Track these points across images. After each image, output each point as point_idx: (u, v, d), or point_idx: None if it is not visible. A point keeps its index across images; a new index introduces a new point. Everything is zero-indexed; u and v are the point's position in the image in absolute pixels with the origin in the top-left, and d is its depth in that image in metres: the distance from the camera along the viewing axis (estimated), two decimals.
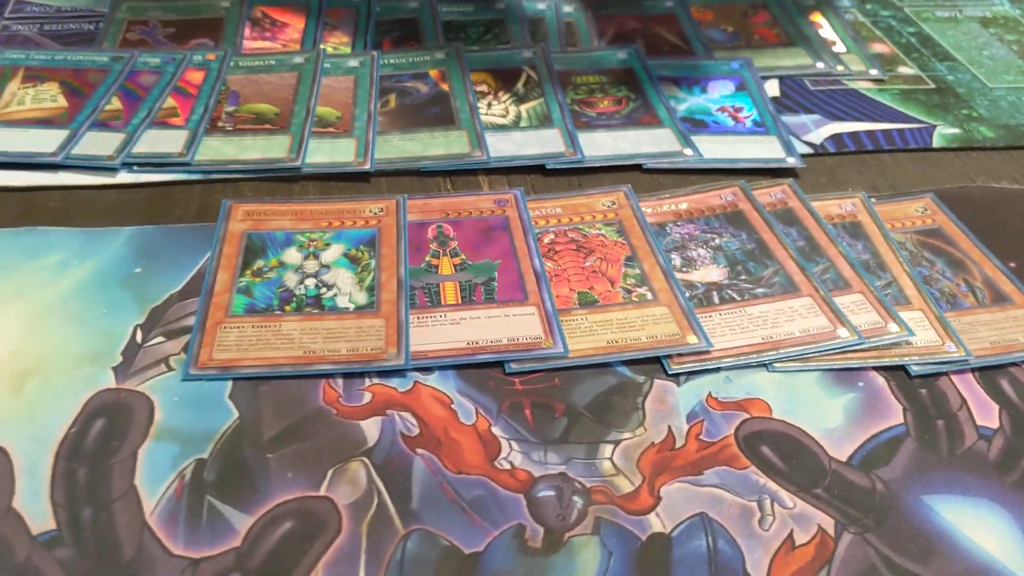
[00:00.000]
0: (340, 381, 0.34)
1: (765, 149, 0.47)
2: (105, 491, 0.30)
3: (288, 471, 0.31)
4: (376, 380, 0.34)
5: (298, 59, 0.51)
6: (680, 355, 0.35)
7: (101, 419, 0.32)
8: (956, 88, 0.54)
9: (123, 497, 0.30)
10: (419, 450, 0.32)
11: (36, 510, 0.29)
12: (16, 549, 0.28)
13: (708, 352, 0.36)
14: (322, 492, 0.30)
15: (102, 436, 0.31)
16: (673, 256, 0.40)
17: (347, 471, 0.31)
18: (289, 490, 0.30)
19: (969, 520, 0.30)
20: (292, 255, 0.39)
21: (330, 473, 0.31)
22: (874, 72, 0.54)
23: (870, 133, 0.49)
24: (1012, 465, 0.32)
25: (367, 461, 0.31)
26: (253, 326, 0.35)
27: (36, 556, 0.28)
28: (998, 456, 0.33)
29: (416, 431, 0.32)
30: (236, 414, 0.32)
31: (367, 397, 0.33)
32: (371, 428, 0.32)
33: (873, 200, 0.44)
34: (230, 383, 0.33)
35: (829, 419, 0.34)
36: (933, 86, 0.54)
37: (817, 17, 0.60)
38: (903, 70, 0.55)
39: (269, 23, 0.55)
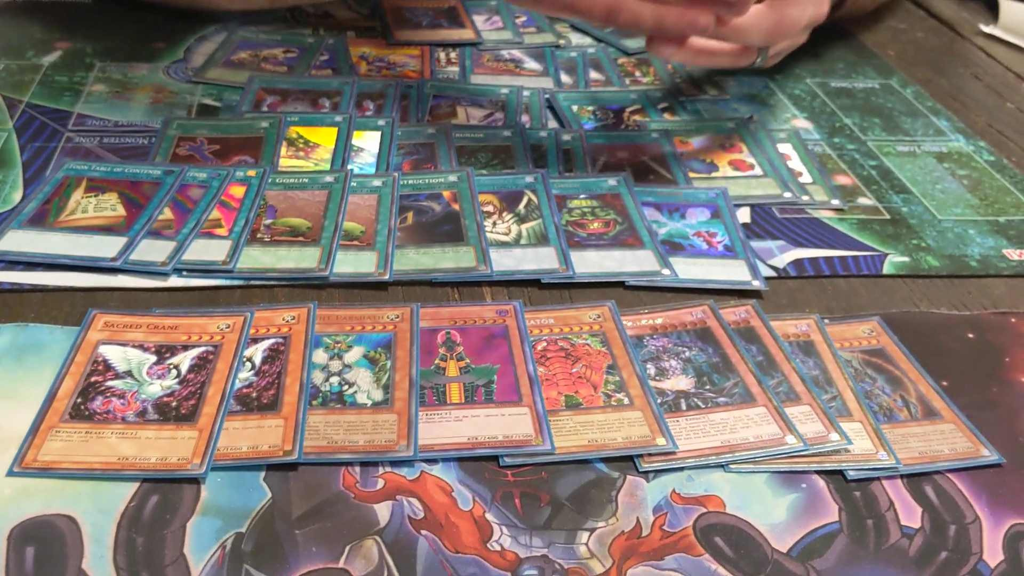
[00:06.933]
0: (357, 469, 0.40)
1: (734, 272, 0.53)
2: (159, 557, 0.35)
3: (312, 545, 0.36)
4: (388, 468, 0.40)
5: (328, 178, 0.58)
6: (650, 455, 0.41)
7: (156, 496, 0.38)
8: (909, 219, 0.61)
9: (174, 563, 0.35)
10: (423, 531, 0.37)
11: (102, 572, 0.35)
12: None
13: (674, 453, 0.41)
14: (340, 564, 0.36)
15: (157, 510, 0.37)
16: (648, 366, 0.46)
17: (362, 547, 0.37)
18: (313, 562, 0.36)
19: None
20: (319, 355, 0.45)
21: (347, 548, 0.36)
22: (835, 203, 0.61)
23: (828, 259, 0.56)
24: (929, 560, 0.38)
25: (379, 540, 0.37)
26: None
27: None
28: (917, 553, 0.38)
29: (422, 515, 0.38)
30: (269, 494, 0.38)
31: (380, 483, 0.39)
32: (383, 511, 0.38)
33: (826, 321, 0.50)
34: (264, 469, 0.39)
35: (774, 515, 0.39)
36: (888, 217, 0.61)
37: (787, 149, 0.67)
38: (862, 200, 0.62)
39: (303, 143, 0.63)
